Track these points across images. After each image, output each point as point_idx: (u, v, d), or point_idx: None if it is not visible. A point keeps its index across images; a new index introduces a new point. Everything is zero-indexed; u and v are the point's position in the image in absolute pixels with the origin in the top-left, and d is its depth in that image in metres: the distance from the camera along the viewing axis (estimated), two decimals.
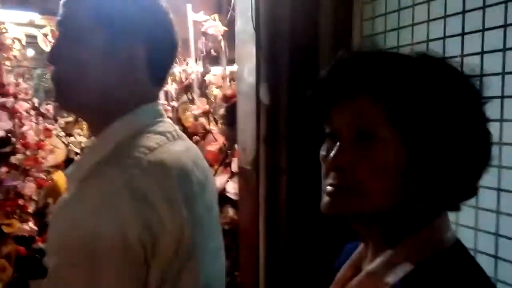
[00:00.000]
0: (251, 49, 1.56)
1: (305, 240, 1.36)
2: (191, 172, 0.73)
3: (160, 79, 0.78)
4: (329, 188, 0.54)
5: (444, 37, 1.11)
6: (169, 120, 0.79)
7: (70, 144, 2.10)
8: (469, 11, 1.05)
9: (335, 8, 1.47)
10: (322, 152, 0.56)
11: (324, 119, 0.57)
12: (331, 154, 0.53)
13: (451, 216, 0.57)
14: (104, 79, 0.71)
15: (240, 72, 1.68)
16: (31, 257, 1.18)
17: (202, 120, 2.34)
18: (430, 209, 0.54)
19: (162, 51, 0.76)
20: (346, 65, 0.55)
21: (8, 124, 1.52)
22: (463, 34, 1.06)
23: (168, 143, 0.72)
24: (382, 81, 0.52)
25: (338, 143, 0.54)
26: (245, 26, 1.63)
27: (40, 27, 3.99)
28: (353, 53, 0.57)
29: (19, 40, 2.25)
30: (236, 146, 2.06)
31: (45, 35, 3.71)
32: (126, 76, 0.71)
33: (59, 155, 2.02)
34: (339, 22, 1.46)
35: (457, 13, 1.08)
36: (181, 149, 0.74)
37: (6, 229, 1.55)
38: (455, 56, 1.05)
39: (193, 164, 0.74)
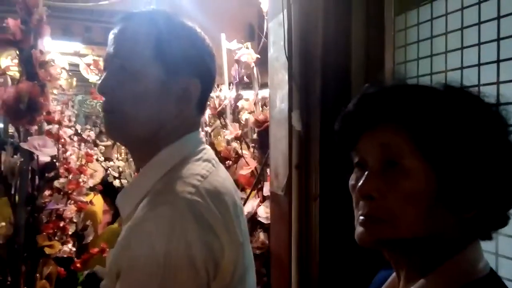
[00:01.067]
0: (284, 77, 1.59)
1: (337, 267, 1.34)
2: (235, 196, 0.76)
3: (203, 110, 0.82)
4: (361, 218, 0.55)
5: (479, 64, 1.11)
6: (209, 147, 0.82)
7: (109, 168, 2.19)
8: (504, 38, 1.04)
9: (367, 36, 1.49)
10: (351, 182, 0.58)
11: (352, 149, 0.59)
12: (359, 183, 0.55)
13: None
14: (158, 114, 0.73)
15: (273, 99, 1.71)
16: (88, 281, 1.21)
17: (235, 144, 2.38)
18: (463, 238, 0.54)
19: (209, 85, 0.80)
20: (370, 97, 0.58)
21: (53, 150, 1.61)
22: (498, 61, 1.05)
23: (215, 170, 0.75)
24: (405, 110, 0.54)
25: (366, 172, 0.55)
26: (277, 54, 1.67)
27: (82, 56, 4.23)
28: (378, 86, 0.59)
29: (66, 70, 2.40)
30: (268, 170, 2.08)
31: (88, 64, 3.93)
32: (180, 110, 0.75)
33: (99, 179, 2.10)
34: (371, 50, 1.47)
35: (492, 41, 1.07)
36: (224, 175, 0.77)
37: (48, 251, 1.62)
38: (491, 84, 1.05)
39: (233, 189, 0.78)
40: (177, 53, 0.74)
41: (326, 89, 1.44)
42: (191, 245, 0.62)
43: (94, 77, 4.05)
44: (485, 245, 0.98)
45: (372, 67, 1.44)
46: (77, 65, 4.12)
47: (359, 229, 0.55)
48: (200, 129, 0.85)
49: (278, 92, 1.66)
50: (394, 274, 0.61)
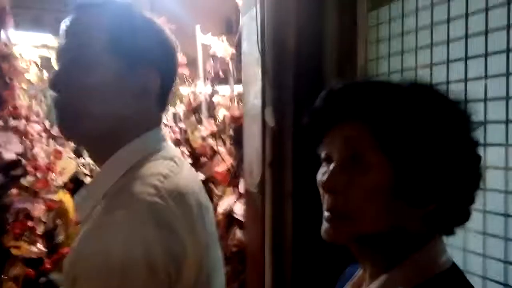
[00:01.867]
0: (257, 72, 1.57)
1: (310, 264, 1.35)
2: (199, 196, 0.73)
3: (165, 105, 0.79)
4: (325, 213, 0.56)
5: (448, 62, 1.12)
6: (171, 143, 0.80)
7: (80, 166, 2.13)
8: (472, 36, 1.05)
9: (340, 32, 1.49)
10: (318, 177, 0.58)
11: (319, 144, 0.60)
12: (324, 178, 0.56)
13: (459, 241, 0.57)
14: (116, 108, 0.70)
15: (246, 95, 1.70)
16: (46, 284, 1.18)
17: (210, 141, 2.36)
18: (424, 233, 0.55)
19: (171, 78, 0.77)
20: (336, 93, 0.59)
21: (19, 147, 1.55)
22: (466, 58, 1.06)
23: (178, 168, 0.72)
24: (368, 106, 0.55)
25: (330, 167, 0.56)
26: (251, 49, 1.65)
27: (54, 48, 4.10)
28: (343, 82, 0.60)
29: (36, 63, 2.31)
30: (242, 166, 2.07)
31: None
32: (140, 105, 0.71)
33: (68, 177, 2.05)
34: (343, 46, 1.47)
35: (460, 38, 1.08)
36: (188, 173, 0.74)
37: (14, 252, 1.57)
38: (459, 81, 1.06)
39: (198, 188, 0.75)
40: (134, 45, 0.70)
41: (298, 85, 1.44)
42: (150, 251, 0.59)
43: None
44: (454, 241, 1.00)
45: (344, 63, 1.44)
46: (49, 59, 4.00)
47: (324, 226, 0.56)
48: (170, 124, 0.82)
49: (251, 87, 1.64)
50: (361, 269, 0.63)
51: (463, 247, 1.03)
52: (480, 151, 0.56)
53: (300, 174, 1.37)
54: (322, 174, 0.57)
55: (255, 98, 1.59)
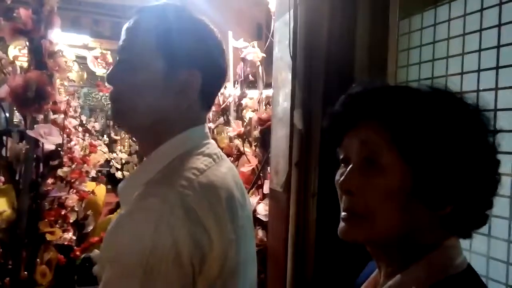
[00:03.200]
0: (287, 76, 1.61)
1: (332, 264, 1.36)
2: (234, 192, 0.76)
3: (209, 104, 0.83)
4: (343, 213, 0.57)
5: (479, 70, 1.12)
6: (214, 141, 0.83)
7: (112, 160, 2.22)
8: (504, 45, 1.06)
9: (371, 38, 1.51)
10: (337, 177, 0.60)
11: (337, 146, 0.62)
12: (341, 179, 0.57)
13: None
14: (159, 103, 0.75)
15: (276, 97, 1.73)
16: (81, 265, 1.25)
17: (237, 142, 2.41)
18: (440, 235, 0.56)
19: (214, 79, 0.80)
20: (354, 96, 0.60)
21: (58, 139, 1.64)
22: (497, 68, 1.07)
23: (215, 164, 0.76)
24: (385, 108, 0.56)
25: (348, 168, 0.57)
26: (282, 53, 1.69)
27: (90, 49, 4.27)
28: (363, 86, 0.61)
29: (76, 62, 2.43)
30: (268, 168, 2.10)
31: (95, 57, 3.97)
32: (180, 102, 0.76)
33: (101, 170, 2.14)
34: (374, 52, 1.49)
35: (492, 48, 1.09)
36: (225, 170, 0.78)
37: (49, 237, 1.65)
38: (490, 89, 1.06)
39: (235, 185, 0.78)
40: (178, 44, 0.75)
41: (328, 90, 1.47)
42: (178, 240, 0.62)
43: (101, 70, 4.09)
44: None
45: (374, 70, 1.46)
46: (84, 58, 4.16)
47: (341, 225, 0.58)
48: (206, 124, 0.85)
49: (282, 91, 1.68)
50: (377, 269, 0.63)
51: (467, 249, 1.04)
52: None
53: (325, 175, 1.39)
54: (340, 175, 0.59)
55: (284, 101, 1.63)
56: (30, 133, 1.57)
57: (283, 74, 1.68)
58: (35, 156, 1.66)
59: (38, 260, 1.63)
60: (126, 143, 2.58)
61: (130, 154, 2.30)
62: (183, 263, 0.62)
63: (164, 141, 0.76)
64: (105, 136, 2.68)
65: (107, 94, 2.93)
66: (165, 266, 0.61)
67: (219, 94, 2.73)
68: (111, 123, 3.30)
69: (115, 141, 3.48)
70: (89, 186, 1.90)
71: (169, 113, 0.76)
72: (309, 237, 1.39)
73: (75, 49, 3.62)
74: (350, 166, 0.57)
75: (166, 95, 0.75)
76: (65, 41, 2.88)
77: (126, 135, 3.17)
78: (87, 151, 1.99)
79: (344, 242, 0.58)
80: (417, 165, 0.53)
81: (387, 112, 0.55)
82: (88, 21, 4.69)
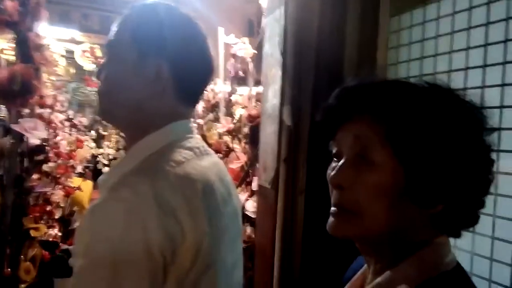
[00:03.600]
0: (277, 72, 1.61)
1: (319, 259, 1.36)
2: (215, 187, 0.76)
3: (190, 98, 0.81)
4: (332, 208, 0.56)
5: (467, 68, 1.13)
6: (198, 137, 0.82)
7: (99, 156, 2.19)
8: (491, 44, 1.06)
9: (360, 36, 1.51)
10: (328, 171, 0.59)
11: (330, 140, 0.60)
12: (332, 173, 0.56)
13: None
14: (132, 94, 0.75)
15: (265, 94, 1.73)
16: (58, 257, 1.24)
17: (226, 138, 2.40)
18: (430, 233, 0.55)
19: (190, 71, 0.78)
20: (349, 90, 0.58)
21: (44, 134, 1.61)
22: (484, 66, 1.08)
23: (195, 158, 0.75)
24: (380, 103, 0.54)
25: (339, 163, 0.56)
26: (272, 50, 1.68)
27: (79, 43, 4.21)
28: (358, 80, 0.60)
29: (63, 56, 2.40)
30: (257, 165, 2.09)
31: (84, 51, 3.92)
32: (153, 92, 0.75)
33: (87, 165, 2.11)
34: (364, 49, 1.49)
35: (480, 46, 1.10)
36: (207, 164, 0.77)
37: (33, 233, 1.62)
38: (477, 87, 1.07)
39: (218, 180, 0.77)
40: (150, 35, 0.76)
41: (318, 86, 1.46)
42: (148, 231, 0.62)
43: (89, 65, 4.04)
44: (462, 245, 1.01)
45: (364, 67, 1.46)
46: (72, 52, 4.10)
47: (330, 220, 0.57)
48: (191, 120, 0.84)
49: (271, 87, 1.67)
50: (365, 265, 0.63)
51: (471, 250, 1.04)
52: (494, 156, 0.55)
53: (314, 172, 1.39)
54: (331, 169, 0.58)
55: (274, 97, 1.62)
56: (15, 127, 1.55)
57: (273, 70, 1.67)
58: (19, 150, 1.63)
59: (22, 256, 1.61)
60: (113, 139, 2.55)
61: (118, 149, 2.27)
62: (154, 255, 0.62)
63: (143, 136, 0.76)
64: (92, 131, 2.65)
65: (95, 89, 2.90)
66: (135, 257, 0.61)
67: (208, 90, 2.72)
68: (99, 118, 3.27)
69: (103, 136, 3.44)
70: (75, 181, 1.87)
71: (143, 104, 0.76)
72: (297, 234, 1.38)
73: (64, 43, 3.56)
74: (342, 160, 0.56)
75: (137, 85, 0.75)
76: (53, 35, 2.84)
77: (114, 131, 3.14)
78: (74, 147, 1.96)
79: (332, 238, 0.57)
80: (409, 163, 0.52)
81: (382, 106, 0.54)
82: (77, 15, 4.62)
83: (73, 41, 3.84)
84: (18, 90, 1.59)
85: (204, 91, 0.86)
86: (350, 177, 0.54)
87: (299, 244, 1.37)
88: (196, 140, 0.80)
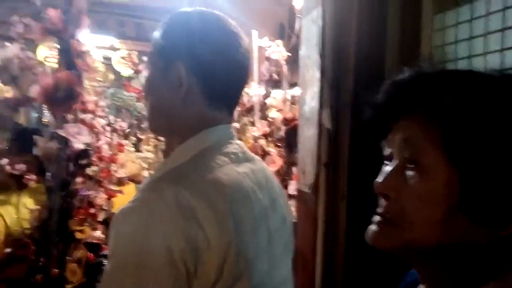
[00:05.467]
0: (315, 74, 1.58)
1: (363, 269, 1.33)
2: (252, 195, 0.72)
3: (223, 103, 0.78)
4: (375, 217, 0.51)
5: None
6: (239, 142, 0.80)
7: (139, 159, 2.25)
8: None
9: (402, 35, 1.47)
10: (377, 177, 0.52)
11: (382, 140, 0.54)
12: (378, 180, 0.51)
13: None
14: (163, 101, 0.76)
15: (303, 97, 1.71)
16: (99, 263, 1.28)
17: (262, 142, 2.39)
18: (504, 257, 0.47)
19: (219, 76, 0.76)
20: (400, 85, 0.52)
21: (87, 138, 1.66)
22: None
23: (230, 164, 0.73)
24: (434, 97, 0.47)
25: (387, 168, 0.51)
26: (309, 52, 1.66)
27: (116, 49, 4.33)
28: (412, 72, 0.53)
29: (103, 63, 2.48)
30: (294, 168, 2.08)
31: (121, 57, 4.03)
32: (179, 98, 0.74)
33: (130, 169, 2.16)
34: (406, 49, 1.45)
35: None
36: (244, 170, 0.74)
37: (78, 235, 1.67)
38: None
39: (256, 187, 0.74)
40: (174, 41, 0.76)
41: (358, 88, 1.43)
42: (168, 236, 0.61)
43: (126, 71, 4.15)
44: None
45: (407, 67, 1.42)
46: (109, 59, 4.22)
47: (370, 228, 0.51)
48: (231, 125, 0.82)
49: (309, 90, 1.65)
50: (421, 286, 0.55)
51: None
52: None
53: (356, 176, 1.36)
54: (380, 174, 0.52)
55: (312, 100, 1.60)
56: (60, 132, 1.60)
57: (310, 72, 1.65)
58: (65, 155, 1.69)
59: (68, 258, 1.66)
60: (151, 143, 2.61)
61: (156, 153, 2.32)
62: (176, 262, 0.61)
63: (180, 143, 0.76)
64: (130, 136, 2.73)
65: (133, 94, 2.96)
66: (156, 263, 0.60)
67: (243, 93, 2.73)
68: (137, 122, 3.35)
69: (140, 140, 3.53)
70: (118, 185, 1.92)
71: (173, 110, 0.76)
72: (339, 240, 1.36)
73: (102, 50, 3.68)
74: (391, 166, 0.50)
75: (166, 93, 0.76)
76: (92, 42, 2.94)
77: (151, 135, 3.21)
78: (115, 151, 2.01)
79: (376, 248, 0.52)
80: (468, 173, 0.44)
81: (436, 103, 0.47)
82: (113, 23, 4.76)
83: (110, 48, 3.96)
84: (63, 96, 1.65)
85: (240, 95, 0.83)
86: (397, 185, 0.48)
87: (341, 251, 1.34)
88: (235, 145, 0.78)
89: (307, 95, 1.66)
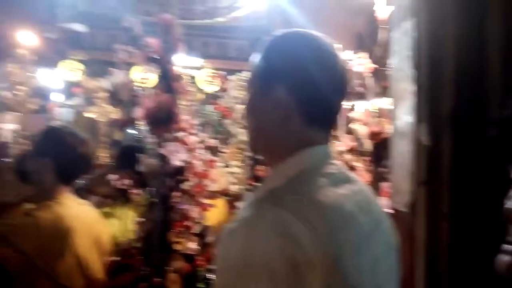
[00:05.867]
0: (408, 88, 1.53)
1: None
2: (354, 217, 0.71)
3: (321, 123, 0.79)
4: (506, 246, 0.48)
5: None
6: (338, 162, 0.79)
7: (228, 174, 2.34)
8: None
9: (507, 42, 1.37)
10: (506, 202, 0.51)
11: (509, 161, 0.52)
12: (508, 205, 0.48)
13: None
14: (261, 123, 0.79)
15: (395, 111, 1.66)
16: (195, 273, 1.36)
17: (348, 156, 2.35)
18: None
19: (317, 96, 0.76)
20: None
21: (184, 156, 1.78)
22: None
23: (330, 185, 0.72)
24: None
25: None
26: (401, 65, 1.62)
27: (200, 68, 4.60)
28: None
29: (192, 83, 2.64)
30: (383, 184, 2.01)
31: (206, 76, 4.28)
32: (277, 119, 0.76)
33: (220, 184, 2.26)
34: (510, 62, 1.35)
35: None
36: (345, 192, 0.73)
37: (176, 247, 1.78)
38: None
39: (358, 209, 0.72)
40: (273, 62, 0.78)
41: (457, 101, 1.36)
42: (270, 255, 0.63)
43: (210, 88, 4.38)
44: None
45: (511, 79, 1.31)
46: (194, 77, 4.49)
47: (503, 259, 0.49)
48: (328, 145, 0.81)
49: (401, 103, 1.60)
50: None
51: None
52: None
53: (459, 196, 1.28)
54: (508, 199, 0.50)
55: (405, 114, 1.55)
56: (162, 151, 1.73)
57: (403, 86, 1.60)
58: (164, 171, 1.82)
59: (168, 268, 1.77)
60: (237, 157, 2.71)
61: (242, 167, 2.41)
62: (277, 281, 0.62)
63: (279, 162, 0.77)
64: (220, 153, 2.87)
65: (217, 112, 3.12)
66: (258, 282, 0.62)
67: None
68: (221, 138, 3.51)
69: (224, 153, 3.67)
70: (210, 199, 2.02)
71: (271, 131, 0.78)
72: (442, 264, 1.28)
73: (189, 70, 3.93)
74: None
75: (264, 113, 0.78)
76: (181, 63, 3.15)
77: (237, 150, 3.31)
78: (207, 166, 2.12)
79: (484, 273, 0.50)
80: None
81: None
82: (198, 43, 5.07)
83: (196, 67, 4.23)
84: (163, 117, 1.79)
85: (338, 115, 0.83)
86: None
87: (445, 276, 1.26)
88: (335, 166, 0.77)
89: (400, 109, 1.61)
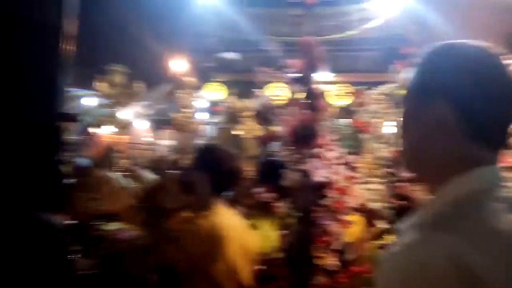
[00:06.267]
0: None
1: None
2: None
3: (488, 141, 0.73)
4: None
5: None
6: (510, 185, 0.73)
7: (366, 190, 2.31)
8: None
9: None
10: None
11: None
12: None
13: None
14: (421, 139, 0.75)
15: None
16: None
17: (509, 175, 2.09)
18: None
19: (483, 112, 0.71)
20: None
21: (326, 172, 1.81)
22: None
23: (505, 211, 0.66)
24: None
25: None
26: None
27: (330, 83, 4.64)
28: None
29: (331, 100, 2.68)
30: None
31: (337, 90, 4.30)
32: (439, 136, 0.73)
33: (359, 200, 2.24)
34: None
35: None
36: None
37: (318, 261, 1.82)
38: None
39: None
40: (435, 77, 0.74)
41: None
42: (439, 284, 0.58)
43: (341, 102, 4.37)
44: None
45: None
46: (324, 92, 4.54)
47: None
48: (498, 166, 0.74)
49: None
50: None
51: None
52: None
53: None
54: None
55: None
56: (305, 167, 1.80)
57: None
58: (307, 186, 1.88)
59: (309, 281, 1.82)
60: (375, 173, 2.65)
61: (382, 184, 2.35)
62: None
63: (443, 183, 0.72)
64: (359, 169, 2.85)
65: (352, 126, 3.10)
66: None
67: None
68: (355, 153, 3.46)
69: (354, 169, 3.61)
70: (349, 215, 2.02)
71: (431, 149, 0.74)
72: None
73: (321, 85, 4.00)
74: None
75: (422, 131, 0.75)
76: (318, 80, 3.23)
77: (369, 165, 3.23)
78: (347, 183, 2.12)
79: None
80: None
81: None
82: (327, 58, 5.13)
83: (327, 82, 4.29)
84: (306, 135, 1.86)
85: (508, 132, 0.75)
86: None
87: None
88: (506, 190, 0.71)
89: None
